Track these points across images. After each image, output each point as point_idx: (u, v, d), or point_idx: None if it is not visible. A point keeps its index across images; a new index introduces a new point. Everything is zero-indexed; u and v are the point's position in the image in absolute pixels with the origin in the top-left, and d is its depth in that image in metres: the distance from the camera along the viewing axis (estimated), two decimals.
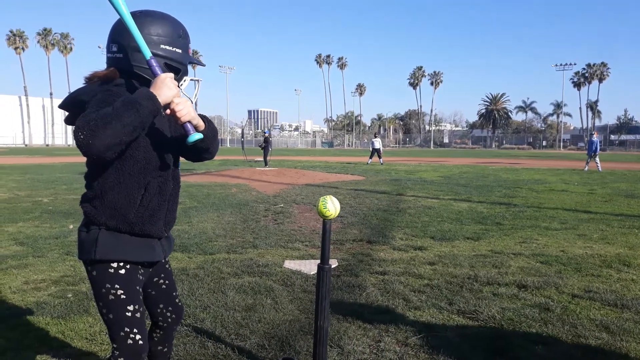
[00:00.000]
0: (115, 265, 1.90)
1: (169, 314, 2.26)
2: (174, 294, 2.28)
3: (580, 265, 5.32)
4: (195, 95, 2.08)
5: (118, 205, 1.88)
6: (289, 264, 5.29)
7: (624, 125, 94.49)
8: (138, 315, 1.94)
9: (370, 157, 28.08)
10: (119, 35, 1.90)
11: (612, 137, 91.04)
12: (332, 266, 5.21)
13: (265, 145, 22.72)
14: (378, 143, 27.76)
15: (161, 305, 2.24)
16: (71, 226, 7.16)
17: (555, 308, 3.95)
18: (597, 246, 6.30)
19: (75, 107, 1.80)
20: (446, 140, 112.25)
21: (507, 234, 7.05)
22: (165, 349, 2.35)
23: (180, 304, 2.32)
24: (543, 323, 3.65)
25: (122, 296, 1.90)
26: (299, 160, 31.99)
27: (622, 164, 30.65)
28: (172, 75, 1.80)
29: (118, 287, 1.90)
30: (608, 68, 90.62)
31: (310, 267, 5.14)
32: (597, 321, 3.68)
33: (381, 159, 27.50)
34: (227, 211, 8.99)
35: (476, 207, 9.88)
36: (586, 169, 22.47)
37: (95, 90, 1.84)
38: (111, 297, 1.90)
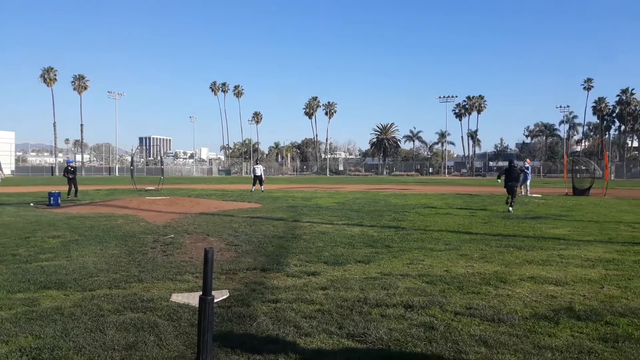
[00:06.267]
0: None
1: None
2: None
3: (462, 283, 5.62)
4: None
5: None
6: (177, 297, 5.03)
7: (501, 153, 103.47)
8: None
9: (254, 185, 26.70)
10: None
11: (491, 163, 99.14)
12: (223, 297, 5.03)
13: (71, 175, 21.11)
14: (259, 170, 26.17)
15: None
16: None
17: (439, 326, 4.11)
18: (477, 265, 6.72)
19: None
20: (341, 167, 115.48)
21: (396, 256, 7.30)
22: None
23: None
24: (428, 342, 3.77)
25: None
26: (194, 189, 31.10)
27: (502, 188, 33.23)
28: None
29: None
30: (485, 100, 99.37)
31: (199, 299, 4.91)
32: (476, 336, 3.88)
33: (262, 186, 26.22)
34: (112, 243, 8.44)
35: (367, 231, 10.16)
36: (529, 195, 23.25)
37: None
38: None
